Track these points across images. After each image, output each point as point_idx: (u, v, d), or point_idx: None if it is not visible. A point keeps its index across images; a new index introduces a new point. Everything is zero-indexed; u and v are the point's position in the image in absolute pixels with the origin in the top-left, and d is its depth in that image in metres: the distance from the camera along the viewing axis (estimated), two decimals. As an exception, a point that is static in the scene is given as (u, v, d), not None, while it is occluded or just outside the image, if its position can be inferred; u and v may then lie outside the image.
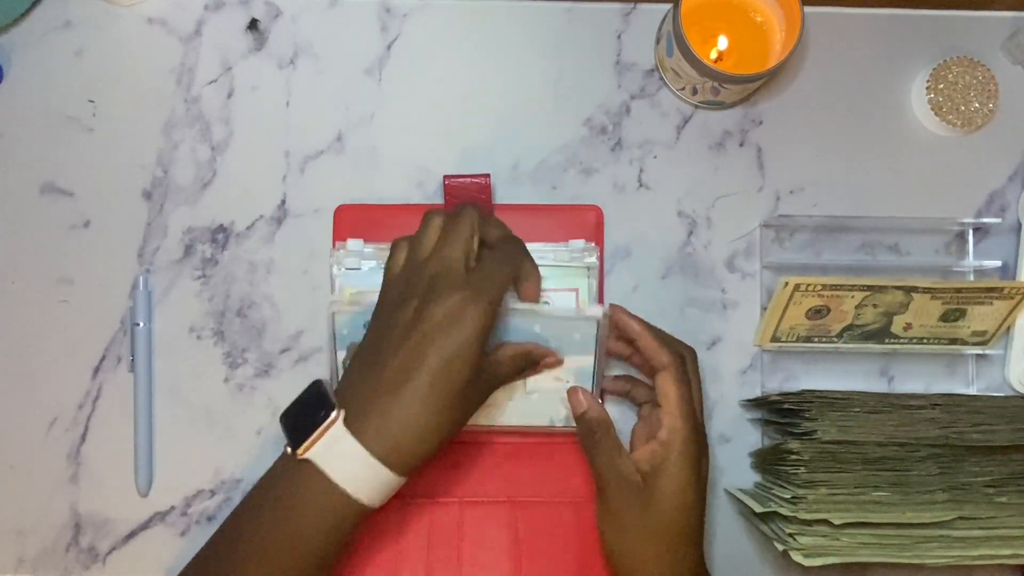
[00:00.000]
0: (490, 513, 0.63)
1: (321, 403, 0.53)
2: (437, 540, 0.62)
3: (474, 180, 0.63)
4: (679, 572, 0.55)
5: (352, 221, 0.65)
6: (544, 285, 0.62)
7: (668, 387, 0.56)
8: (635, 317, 0.60)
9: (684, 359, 0.58)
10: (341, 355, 0.60)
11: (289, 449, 0.52)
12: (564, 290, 0.62)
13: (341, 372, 0.59)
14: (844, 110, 0.68)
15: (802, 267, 0.67)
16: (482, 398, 0.56)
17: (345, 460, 0.51)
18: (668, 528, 0.55)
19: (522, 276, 0.58)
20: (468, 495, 0.63)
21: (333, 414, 0.51)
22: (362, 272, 0.62)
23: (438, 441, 0.53)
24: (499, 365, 0.57)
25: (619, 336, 0.61)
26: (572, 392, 0.59)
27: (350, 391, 0.53)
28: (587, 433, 0.58)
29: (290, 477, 0.52)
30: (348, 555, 0.62)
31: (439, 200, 0.66)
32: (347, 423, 0.51)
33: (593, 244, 0.63)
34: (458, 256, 0.55)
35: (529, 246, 0.62)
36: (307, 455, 0.51)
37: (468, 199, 0.63)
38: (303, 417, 0.53)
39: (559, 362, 0.60)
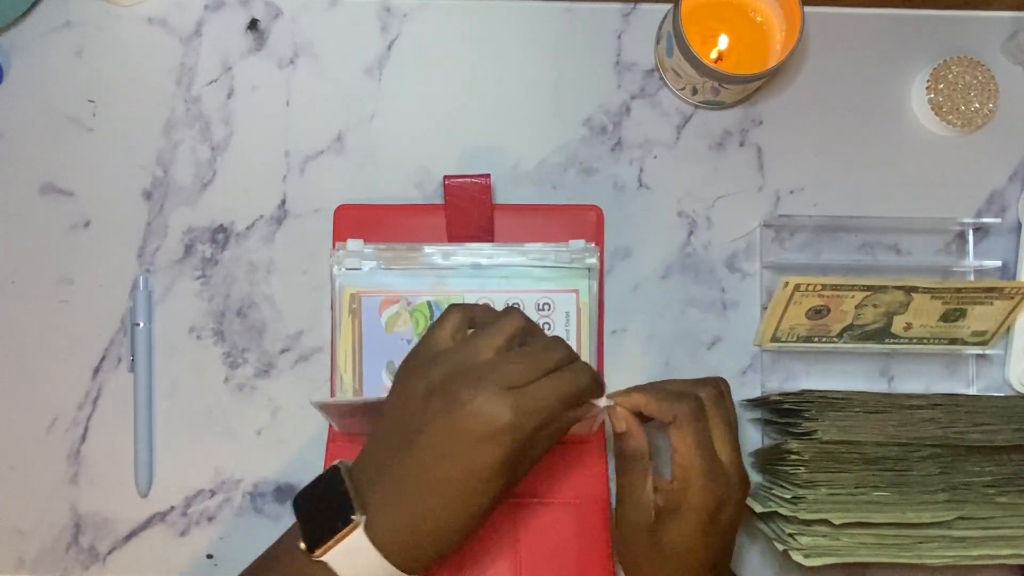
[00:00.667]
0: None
1: (342, 504, 0.49)
2: None
3: (474, 181, 0.63)
4: None
5: (352, 221, 0.65)
6: (544, 286, 0.62)
7: (676, 440, 0.54)
8: (635, 390, 0.56)
9: (699, 403, 0.54)
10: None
11: (303, 545, 0.49)
12: (564, 291, 0.62)
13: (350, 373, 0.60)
14: (844, 110, 0.68)
15: (802, 267, 0.67)
16: (512, 489, 0.52)
17: (361, 565, 0.49)
18: (673, 566, 0.54)
19: (583, 405, 0.52)
20: None
21: (355, 518, 0.48)
22: (362, 272, 0.62)
23: (459, 541, 0.50)
24: (524, 465, 0.51)
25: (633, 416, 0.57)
26: (614, 413, 0.55)
27: (370, 490, 0.50)
28: (620, 455, 0.56)
29: (299, 572, 0.50)
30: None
31: (439, 200, 0.66)
32: (367, 529, 0.49)
33: (593, 245, 0.63)
34: (486, 355, 0.50)
35: (529, 247, 0.62)
36: (322, 555, 0.49)
37: (468, 199, 0.63)
38: (321, 513, 0.50)
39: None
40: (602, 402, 0.53)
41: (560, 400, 0.50)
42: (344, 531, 0.48)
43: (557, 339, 0.53)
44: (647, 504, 0.55)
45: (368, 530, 0.48)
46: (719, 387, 0.57)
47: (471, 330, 0.53)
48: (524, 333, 0.52)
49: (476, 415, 0.48)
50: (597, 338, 0.63)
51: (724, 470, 0.54)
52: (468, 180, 0.63)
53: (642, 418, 0.56)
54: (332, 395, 0.63)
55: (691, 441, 0.53)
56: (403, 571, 0.49)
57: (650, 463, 0.56)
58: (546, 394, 0.49)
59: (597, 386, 0.53)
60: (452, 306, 0.54)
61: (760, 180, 0.68)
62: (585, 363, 0.53)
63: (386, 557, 0.48)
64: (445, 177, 0.63)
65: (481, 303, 0.61)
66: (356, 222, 0.65)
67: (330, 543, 0.48)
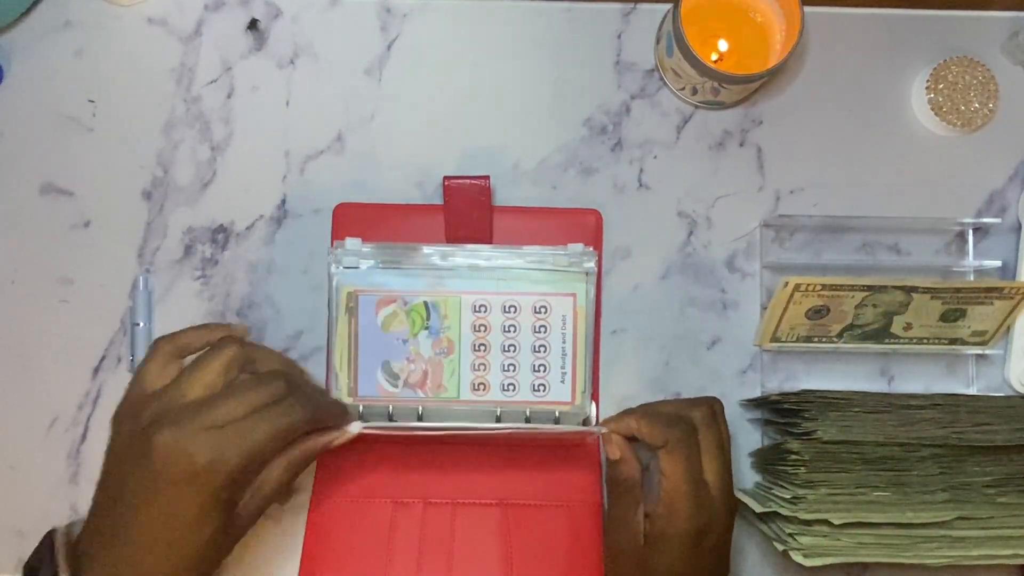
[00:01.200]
0: (481, 515, 0.63)
1: (53, 572, 0.49)
2: (428, 541, 0.62)
3: (474, 182, 0.63)
4: None
5: (351, 220, 0.65)
6: (541, 289, 0.62)
7: (666, 466, 0.54)
8: (627, 414, 0.57)
9: (691, 428, 0.55)
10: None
11: None
12: (562, 295, 0.62)
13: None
14: (844, 110, 0.68)
15: (802, 267, 0.67)
16: (233, 543, 0.51)
17: None
18: None
19: (325, 434, 0.52)
20: (460, 497, 0.63)
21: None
22: (360, 271, 0.62)
23: None
24: (257, 500, 0.51)
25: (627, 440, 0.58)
26: (608, 440, 0.57)
27: (88, 551, 0.49)
28: (612, 482, 0.58)
29: None
30: (337, 556, 0.62)
31: (439, 200, 0.66)
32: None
33: (592, 249, 0.62)
34: (195, 393, 0.49)
35: (527, 249, 0.62)
36: None
37: (467, 200, 0.63)
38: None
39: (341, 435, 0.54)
40: (355, 427, 0.52)
41: (269, 437, 0.48)
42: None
43: (274, 372, 0.51)
44: (637, 531, 0.55)
45: None
46: (712, 407, 0.57)
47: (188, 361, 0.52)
48: (242, 362, 0.51)
49: (170, 457, 0.46)
50: (593, 342, 0.63)
51: (710, 496, 0.55)
52: (468, 181, 0.63)
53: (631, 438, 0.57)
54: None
55: (680, 468, 0.54)
56: None
57: (641, 492, 0.56)
58: (249, 432, 0.48)
59: (315, 419, 0.51)
60: (157, 340, 0.53)
61: (760, 180, 0.68)
62: (303, 396, 0.51)
63: None
64: (445, 178, 0.63)
65: (193, 328, 0.56)
66: (355, 221, 0.65)
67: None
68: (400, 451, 0.63)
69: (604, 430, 0.57)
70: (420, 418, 0.61)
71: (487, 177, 0.63)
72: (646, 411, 0.57)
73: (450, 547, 0.62)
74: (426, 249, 0.62)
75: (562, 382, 0.61)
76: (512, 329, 0.61)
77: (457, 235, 0.64)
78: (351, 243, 0.62)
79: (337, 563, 0.62)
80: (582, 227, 0.65)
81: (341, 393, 0.61)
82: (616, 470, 0.57)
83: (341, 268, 0.62)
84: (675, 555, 0.54)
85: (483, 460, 0.63)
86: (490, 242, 0.64)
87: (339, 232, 0.65)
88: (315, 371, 0.66)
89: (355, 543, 0.62)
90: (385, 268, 0.62)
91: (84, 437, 0.65)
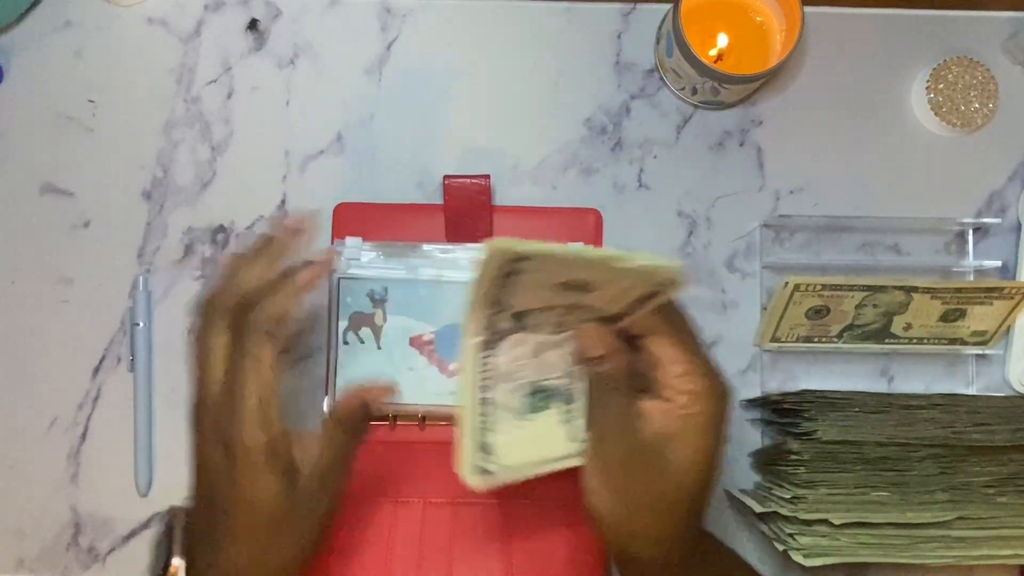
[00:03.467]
0: (481, 513, 0.63)
1: (168, 547, 0.51)
2: (428, 541, 0.62)
3: (474, 181, 0.63)
4: (683, 542, 0.49)
5: (351, 219, 0.65)
6: None
7: (662, 351, 0.48)
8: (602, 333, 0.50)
9: (674, 311, 0.49)
10: (343, 324, 0.60)
11: None
12: None
13: (342, 346, 0.60)
14: (844, 110, 0.68)
15: (802, 267, 0.67)
16: (315, 505, 0.50)
17: None
18: (679, 495, 0.47)
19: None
20: (459, 495, 0.63)
21: (174, 563, 0.50)
22: (359, 271, 0.62)
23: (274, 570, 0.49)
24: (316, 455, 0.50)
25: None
26: (585, 334, 0.49)
27: (191, 525, 0.51)
28: (601, 381, 0.49)
29: None
30: (337, 556, 0.62)
31: (439, 200, 0.65)
32: (191, 566, 0.50)
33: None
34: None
35: None
36: None
37: (468, 200, 0.63)
38: (156, 557, 0.52)
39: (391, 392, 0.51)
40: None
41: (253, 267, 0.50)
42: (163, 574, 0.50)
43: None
44: (643, 431, 0.48)
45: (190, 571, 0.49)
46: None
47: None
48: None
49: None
50: None
51: (715, 372, 0.49)
52: (468, 181, 0.63)
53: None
54: (326, 393, 0.63)
55: (682, 347, 0.48)
56: None
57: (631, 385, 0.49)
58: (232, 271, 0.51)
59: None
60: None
61: (760, 180, 0.68)
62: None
63: None
64: (445, 177, 0.63)
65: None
66: (355, 221, 0.65)
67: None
68: (399, 451, 0.63)
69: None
70: (423, 419, 0.61)
71: (487, 176, 0.63)
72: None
73: (450, 547, 0.62)
74: (426, 248, 0.62)
75: None
76: None
77: (457, 234, 0.64)
78: (351, 242, 0.62)
79: (338, 564, 0.62)
80: (582, 227, 0.65)
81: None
82: (602, 367, 0.48)
83: (345, 262, 0.61)
84: (701, 449, 0.47)
85: None
86: None
87: (339, 231, 0.65)
88: (315, 371, 0.66)
89: (355, 543, 0.62)
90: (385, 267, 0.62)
91: (84, 437, 0.65)
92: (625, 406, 0.48)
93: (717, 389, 0.48)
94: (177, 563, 0.50)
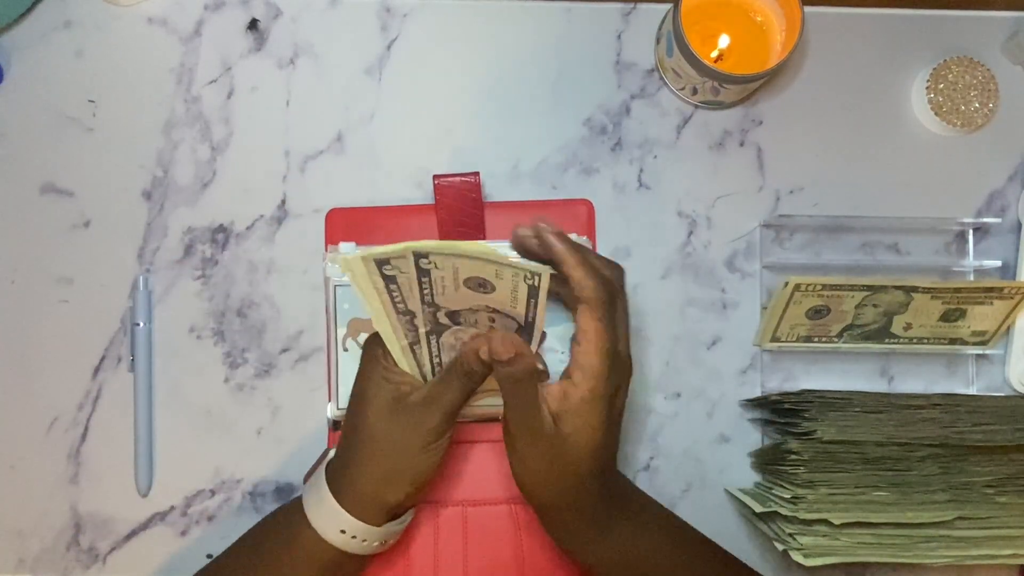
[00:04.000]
0: (492, 515, 0.63)
1: (322, 459, 0.58)
2: (443, 544, 0.62)
3: (464, 179, 0.63)
4: (587, 499, 0.54)
5: (344, 224, 0.65)
6: None
7: (588, 324, 0.51)
8: (560, 236, 0.52)
9: (613, 291, 0.52)
10: (341, 331, 0.60)
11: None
12: None
13: (342, 353, 0.61)
14: (844, 110, 0.68)
15: (802, 267, 0.67)
16: (436, 431, 0.54)
17: (317, 502, 0.55)
18: (577, 467, 0.52)
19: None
20: (470, 497, 0.63)
21: (330, 452, 0.57)
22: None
23: (403, 486, 0.54)
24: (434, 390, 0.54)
25: (543, 258, 0.53)
26: (494, 340, 0.51)
27: (341, 437, 0.57)
28: (509, 379, 0.52)
29: (287, 516, 0.57)
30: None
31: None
32: (328, 478, 0.55)
33: (585, 237, 0.63)
34: None
35: None
36: (304, 489, 0.57)
37: (458, 198, 0.63)
38: (313, 467, 0.60)
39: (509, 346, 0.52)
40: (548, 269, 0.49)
41: None
42: (314, 478, 0.56)
43: None
44: (544, 417, 0.52)
45: (330, 480, 0.55)
46: (620, 268, 0.55)
47: None
48: None
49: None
50: None
51: (622, 357, 0.53)
52: (458, 179, 0.63)
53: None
54: (329, 399, 0.63)
55: (603, 328, 0.51)
56: (356, 518, 0.54)
57: (538, 377, 0.52)
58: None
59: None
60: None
61: (760, 180, 0.68)
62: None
63: (339, 502, 0.54)
64: (435, 176, 0.63)
65: None
66: (348, 225, 0.65)
67: (306, 488, 0.56)
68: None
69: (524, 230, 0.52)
70: None
71: (477, 174, 0.63)
72: (576, 251, 0.52)
73: (464, 548, 0.62)
74: None
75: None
76: None
77: (450, 233, 0.64)
78: (345, 247, 0.62)
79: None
80: (574, 217, 0.65)
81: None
82: (512, 368, 0.51)
83: (338, 271, 0.61)
84: (592, 422, 0.52)
85: (491, 460, 0.64)
86: (483, 238, 0.64)
87: (332, 237, 0.65)
88: (316, 371, 0.66)
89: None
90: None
91: (84, 437, 0.65)
92: (534, 397, 0.52)
93: (614, 372, 0.52)
94: (332, 452, 0.57)
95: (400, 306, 0.51)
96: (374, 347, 0.55)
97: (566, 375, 0.52)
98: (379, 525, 0.55)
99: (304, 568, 0.55)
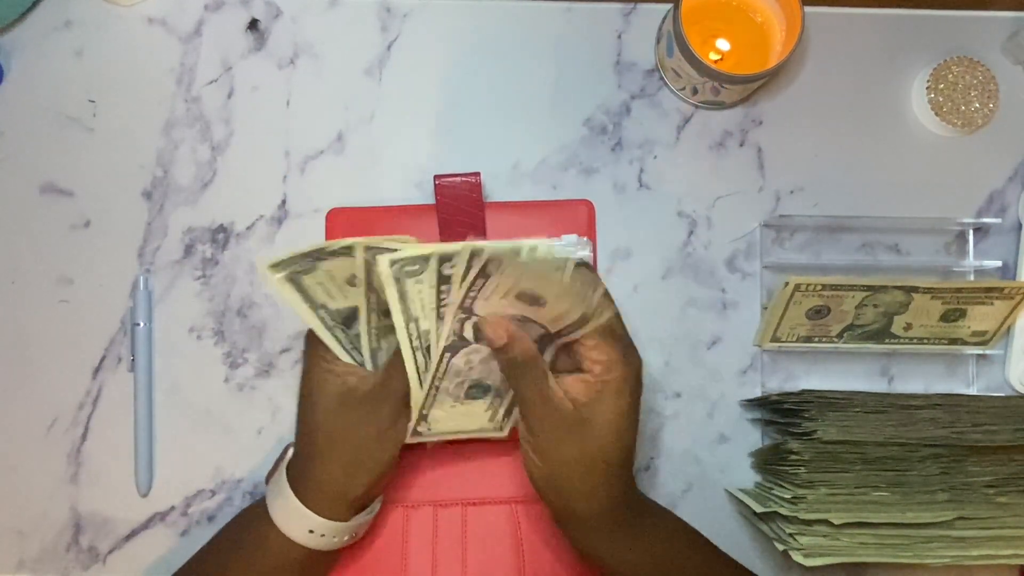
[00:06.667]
0: (491, 514, 0.63)
1: (282, 457, 0.58)
2: (442, 543, 0.62)
3: (464, 180, 0.63)
4: (613, 495, 0.54)
5: (345, 224, 0.65)
6: None
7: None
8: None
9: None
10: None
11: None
12: None
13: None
14: (844, 110, 0.68)
15: (802, 267, 0.67)
16: (389, 418, 0.55)
17: (281, 503, 0.55)
18: (602, 454, 0.52)
19: None
20: (469, 496, 0.63)
21: (289, 452, 0.57)
22: None
23: (364, 478, 0.55)
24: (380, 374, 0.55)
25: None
26: (488, 324, 0.51)
27: (296, 436, 0.57)
28: (511, 366, 0.52)
29: (251, 519, 0.57)
30: (355, 564, 0.62)
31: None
32: (290, 480, 0.55)
33: (586, 239, 0.63)
34: None
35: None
36: (267, 489, 0.57)
37: (459, 198, 0.63)
38: (275, 467, 0.59)
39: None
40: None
41: None
42: (275, 476, 0.56)
43: None
44: (560, 397, 0.52)
45: (291, 478, 0.55)
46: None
47: None
48: None
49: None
50: None
51: (630, 342, 0.54)
52: (458, 179, 0.63)
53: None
54: None
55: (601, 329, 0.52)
56: (318, 515, 0.54)
57: (544, 361, 0.53)
58: None
59: None
60: None
61: (760, 180, 0.68)
62: None
63: (300, 500, 0.54)
64: (435, 177, 0.63)
65: None
66: (349, 225, 0.65)
67: (268, 487, 0.57)
68: (406, 456, 0.63)
69: (477, 317, 0.52)
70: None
71: (478, 174, 0.63)
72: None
73: (463, 548, 0.62)
74: None
75: None
76: None
77: (451, 233, 0.64)
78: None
79: (355, 572, 0.62)
80: (575, 218, 0.65)
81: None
82: (510, 354, 0.52)
83: None
84: (620, 410, 0.52)
85: (489, 459, 0.64)
86: (484, 238, 0.64)
87: (333, 237, 0.65)
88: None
89: (371, 551, 0.62)
90: None
91: (84, 437, 0.65)
92: (542, 377, 0.52)
93: (628, 357, 0.53)
94: (291, 451, 0.57)
95: (468, 310, 0.51)
96: (314, 344, 0.55)
97: (579, 368, 0.53)
98: (347, 520, 0.55)
99: (275, 572, 0.55)
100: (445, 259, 0.48)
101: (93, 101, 0.67)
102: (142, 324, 0.65)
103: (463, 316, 0.51)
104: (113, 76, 0.68)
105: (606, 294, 0.52)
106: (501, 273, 0.49)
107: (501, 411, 0.58)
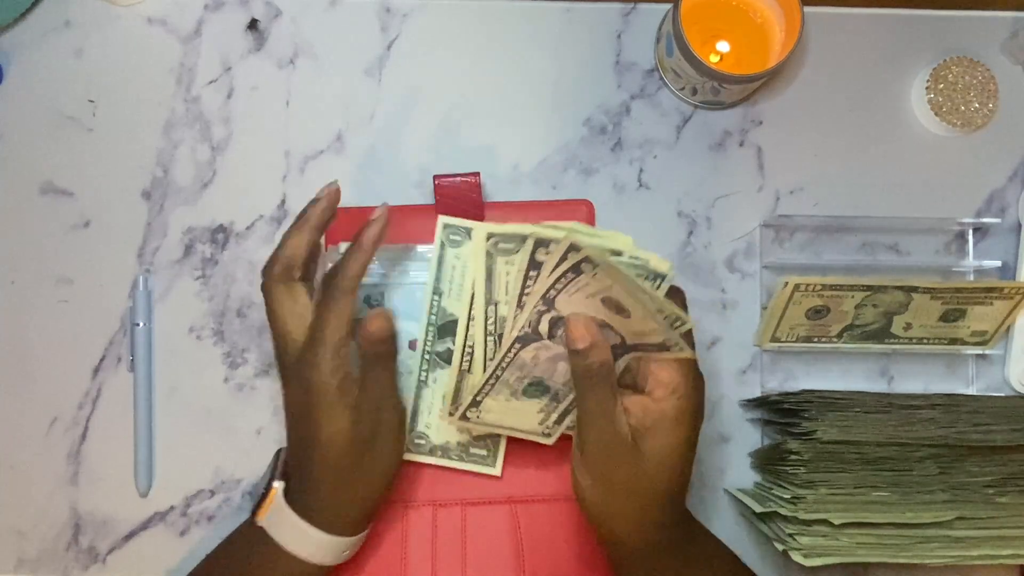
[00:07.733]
0: (491, 514, 0.63)
1: (272, 474, 0.57)
2: (441, 544, 0.62)
3: (464, 180, 0.63)
4: (662, 525, 0.52)
5: (344, 224, 0.65)
6: None
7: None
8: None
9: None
10: None
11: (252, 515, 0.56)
12: None
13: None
14: (844, 110, 0.68)
15: (802, 267, 0.67)
16: (383, 437, 0.54)
17: (287, 528, 0.54)
18: (653, 486, 0.51)
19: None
20: (469, 497, 0.63)
21: (274, 485, 0.55)
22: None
23: (361, 498, 0.55)
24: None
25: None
26: (574, 321, 0.49)
27: (290, 458, 0.56)
28: (584, 374, 0.50)
29: (250, 543, 0.55)
30: (355, 565, 0.62)
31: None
32: (287, 494, 0.54)
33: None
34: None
35: None
36: (262, 523, 0.55)
37: (458, 198, 0.63)
38: (262, 486, 0.58)
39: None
40: (380, 209, 0.53)
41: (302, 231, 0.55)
42: (267, 497, 0.54)
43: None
44: (622, 423, 0.50)
45: (289, 495, 0.54)
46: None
47: None
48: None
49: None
50: None
51: (699, 372, 0.52)
52: (458, 179, 0.63)
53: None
54: None
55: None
56: (324, 531, 0.53)
57: (616, 379, 0.51)
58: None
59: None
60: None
61: (760, 180, 0.68)
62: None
63: (303, 517, 0.53)
64: (435, 177, 0.63)
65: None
66: (348, 225, 0.64)
67: (262, 508, 0.55)
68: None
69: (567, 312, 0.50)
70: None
71: (477, 174, 0.63)
72: None
73: (463, 548, 0.62)
74: (420, 248, 0.62)
75: None
76: None
77: None
78: (345, 247, 0.62)
79: (355, 572, 0.62)
80: (574, 218, 0.65)
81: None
82: (587, 360, 0.49)
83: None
84: (675, 442, 0.50)
85: None
86: None
87: (333, 237, 0.64)
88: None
89: (371, 551, 0.62)
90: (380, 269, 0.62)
91: (84, 437, 0.65)
92: (611, 396, 0.50)
93: (695, 383, 0.51)
94: (277, 484, 0.55)
95: (551, 303, 0.50)
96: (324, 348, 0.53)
97: (645, 391, 0.51)
98: (364, 530, 0.56)
99: None
100: (541, 243, 0.47)
101: (93, 101, 0.67)
102: (142, 324, 0.65)
103: (543, 308, 0.50)
104: (113, 76, 0.68)
105: (690, 334, 0.50)
106: (593, 275, 0.47)
107: (554, 416, 0.56)
